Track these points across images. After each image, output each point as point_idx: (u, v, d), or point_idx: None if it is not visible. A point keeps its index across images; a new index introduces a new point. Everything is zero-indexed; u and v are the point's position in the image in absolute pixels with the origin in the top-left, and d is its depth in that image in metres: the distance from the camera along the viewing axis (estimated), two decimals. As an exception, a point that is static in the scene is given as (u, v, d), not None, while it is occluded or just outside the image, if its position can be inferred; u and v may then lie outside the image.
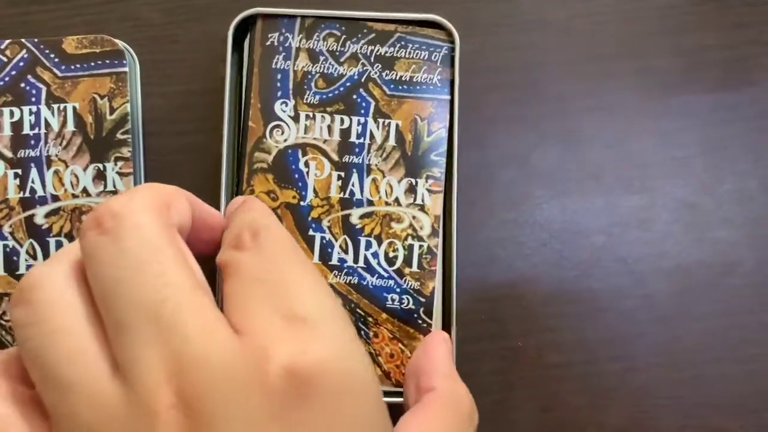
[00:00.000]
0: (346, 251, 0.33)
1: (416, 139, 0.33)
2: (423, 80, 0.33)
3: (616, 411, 0.36)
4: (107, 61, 0.32)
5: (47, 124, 0.32)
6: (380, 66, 0.33)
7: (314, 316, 0.20)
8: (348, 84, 0.33)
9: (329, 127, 0.33)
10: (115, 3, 0.36)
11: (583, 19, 0.38)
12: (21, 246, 0.31)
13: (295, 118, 0.33)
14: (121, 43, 0.33)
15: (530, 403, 0.36)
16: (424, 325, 0.33)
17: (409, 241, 0.33)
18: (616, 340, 0.36)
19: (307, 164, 0.33)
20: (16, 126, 0.31)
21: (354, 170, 0.33)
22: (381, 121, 0.33)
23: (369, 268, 0.33)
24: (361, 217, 0.33)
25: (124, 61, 0.32)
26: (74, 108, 0.32)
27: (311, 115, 0.33)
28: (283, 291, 0.20)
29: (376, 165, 0.33)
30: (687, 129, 0.38)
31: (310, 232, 0.33)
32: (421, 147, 0.33)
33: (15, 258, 0.31)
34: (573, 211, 0.37)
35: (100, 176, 0.32)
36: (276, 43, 0.33)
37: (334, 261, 0.33)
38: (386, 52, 0.33)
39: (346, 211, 0.33)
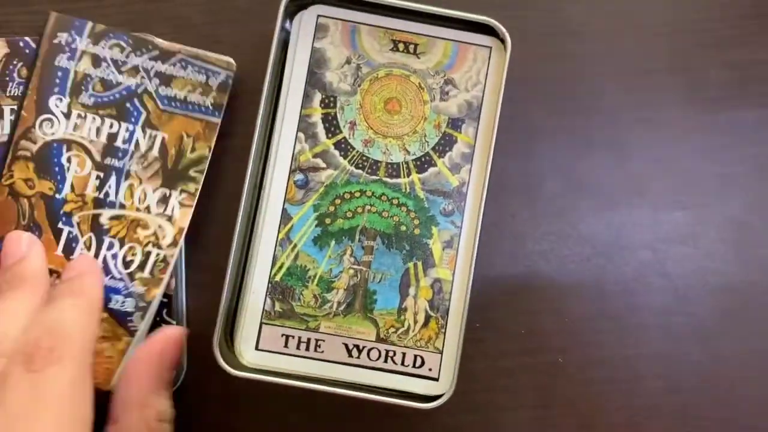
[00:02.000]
0: (89, 248, 0.34)
1: (179, 154, 0.34)
2: (196, 101, 0.35)
3: (656, 431, 0.35)
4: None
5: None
6: (158, 81, 0.35)
7: None
8: (124, 92, 0.35)
9: (98, 129, 0.34)
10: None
11: (633, 31, 0.37)
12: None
13: (67, 115, 0.34)
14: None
15: (569, 420, 0.35)
16: (133, 329, 0.33)
17: (149, 248, 0.34)
18: (659, 358, 0.36)
19: (69, 160, 0.34)
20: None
21: (113, 173, 0.34)
22: (149, 131, 0.35)
23: (106, 267, 0.34)
24: (111, 218, 0.34)
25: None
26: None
27: (83, 114, 0.35)
28: None
29: (135, 172, 0.34)
30: (736, 145, 0.37)
31: (60, 225, 0.34)
32: (182, 162, 0.34)
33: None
34: (618, 226, 0.36)
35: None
36: (63, 43, 0.35)
37: (76, 255, 0.34)
38: (166, 70, 0.35)
39: (98, 210, 0.34)
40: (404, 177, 0.34)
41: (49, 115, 0.34)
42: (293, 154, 0.33)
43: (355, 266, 0.33)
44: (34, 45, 0.35)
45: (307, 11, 0.34)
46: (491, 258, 0.36)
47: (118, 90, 0.35)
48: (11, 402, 0.25)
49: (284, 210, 0.33)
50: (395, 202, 0.34)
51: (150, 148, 0.34)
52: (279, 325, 0.33)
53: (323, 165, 0.34)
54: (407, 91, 0.34)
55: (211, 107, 0.35)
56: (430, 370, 0.33)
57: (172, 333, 0.31)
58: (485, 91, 0.34)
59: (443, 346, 0.33)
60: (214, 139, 0.34)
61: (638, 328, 0.36)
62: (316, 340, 0.33)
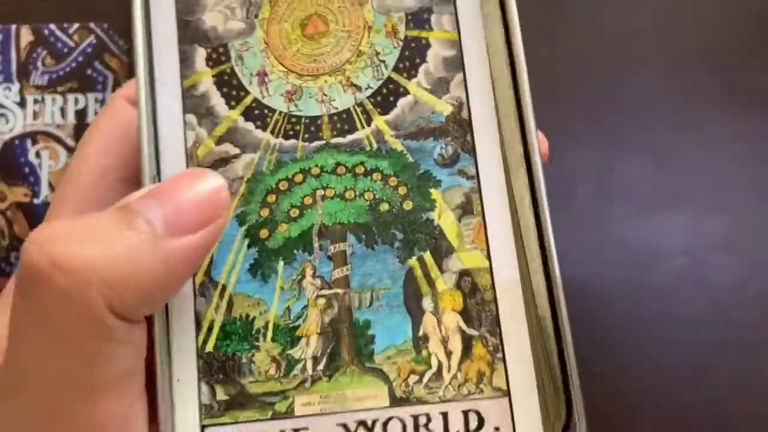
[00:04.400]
0: None
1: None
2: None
3: None
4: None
5: None
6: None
7: None
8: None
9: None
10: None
11: (671, 33, 0.37)
12: None
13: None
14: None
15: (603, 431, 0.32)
16: None
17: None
18: (695, 370, 0.34)
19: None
20: (81, 114, 0.30)
21: None
22: None
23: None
24: None
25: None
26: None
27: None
28: None
29: None
30: None
31: None
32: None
33: None
34: (654, 232, 0.35)
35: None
36: None
37: None
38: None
39: None
40: (363, 128, 0.21)
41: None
42: (186, 150, 0.21)
43: (326, 291, 0.20)
44: (60, 33, 0.31)
45: None
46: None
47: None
48: None
49: (193, 238, 0.21)
50: (360, 170, 0.20)
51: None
52: (230, 423, 0.19)
53: (235, 151, 0.21)
54: (330, -3, 0.21)
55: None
56: (496, 429, 0.19)
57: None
58: (451, -50, 0.21)
59: (508, 382, 0.19)
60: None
61: (674, 338, 0.34)
62: (295, 431, 0.19)
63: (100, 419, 0.18)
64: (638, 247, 0.35)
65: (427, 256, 0.20)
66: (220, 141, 0.21)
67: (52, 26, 0.31)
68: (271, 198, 0.21)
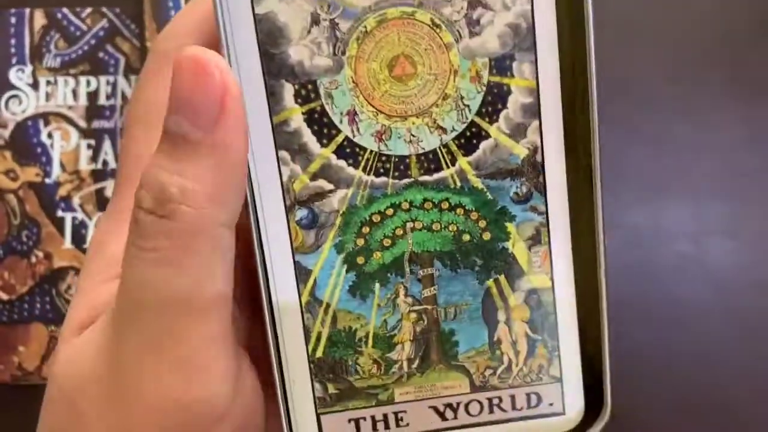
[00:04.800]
0: None
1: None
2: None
3: (694, 428, 0.35)
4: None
5: (123, 96, 0.31)
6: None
7: None
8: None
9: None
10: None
11: (674, 22, 0.37)
12: (90, 219, 0.31)
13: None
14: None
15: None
16: None
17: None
18: (699, 355, 0.35)
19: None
20: (92, 96, 0.30)
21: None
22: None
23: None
24: None
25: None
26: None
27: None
28: None
29: None
30: None
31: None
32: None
33: (83, 231, 0.30)
34: (659, 216, 0.36)
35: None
36: None
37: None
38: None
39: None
40: (448, 167, 0.23)
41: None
42: (282, 184, 0.23)
43: (417, 307, 0.24)
44: (73, 17, 0.30)
45: None
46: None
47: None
48: None
49: (297, 264, 0.23)
50: (445, 205, 0.23)
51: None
52: (341, 410, 0.24)
53: (329, 186, 0.23)
54: (418, 39, 0.22)
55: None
56: (551, 405, 0.25)
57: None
58: (534, 1, 0.22)
59: (561, 372, 0.24)
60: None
61: (678, 321, 0.35)
62: (396, 414, 0.24)
63: (206, 335, 0.21)
64: (643, 231, 0.36)
65: (502, 278, 0.24)
66: (314, 177, 0.23)
67: (65, 10, 0.30)
68: (366, 229, 0.23)
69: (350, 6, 0.22)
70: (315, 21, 0.22)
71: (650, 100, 0.36)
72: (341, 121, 0.22)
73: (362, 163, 0.23)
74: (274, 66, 0.22)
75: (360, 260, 0.23)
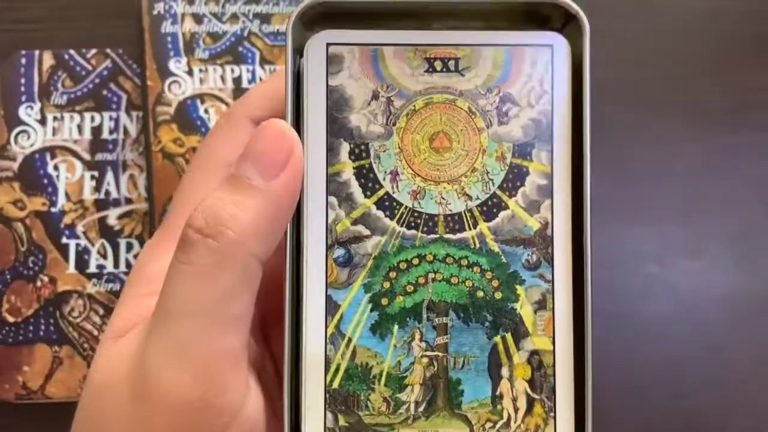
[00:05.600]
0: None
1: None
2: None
3: None
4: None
5: (125, 131, 0.33)
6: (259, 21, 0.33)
7: None
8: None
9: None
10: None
11: (636, 52, 0.40)
12: (93, 245, 0.32)
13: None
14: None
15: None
16: None
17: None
18: (665, 366, 0.37)
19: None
20: (96, 131, 0.33)
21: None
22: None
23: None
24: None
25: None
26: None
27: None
28: None
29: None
30: (735, 167, 0.40)
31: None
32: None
33: (86, 257, 0.32)
34: (626, 239, 0.39)
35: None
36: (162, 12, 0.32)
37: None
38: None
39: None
40: (470, 229, 0.27)
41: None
42: (327, 225, 0.26)
43: (429, 353, 0.26)
44: (78, 57, 0.34)
45: (314, 40, 0.27)
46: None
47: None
48: None
49: (329, 297, 0.26)
50: (464, 263, 0.27)
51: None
52: (348, 444, 0.26)
53: (367, 232, 0.27)
54: (456, 121, 0.27)
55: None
56: (545, 465, 0.26)
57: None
58: (554, 102, 0.27)
59: (555, 430, 0.26)
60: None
61: (645, 337, 0.38)
62: (398, 454, 0.26)
63: (226, 347, 0.24)
64: (609, 253, 0.39)
65: (509, 336, 0.26)
66: (355, 222, 0.26)
67: (72, 51, 0.34)
68: (393, 274, 0.26)
69: (405, 89, 0.27)
70: (375, 96, 0.27)
71: (609, 128, 0.38)
72: (384, 179, 0.27)
73: (397, 216, 0.27)
74: (337, 127, 0.27)
75: (384, 301, 0.26)
